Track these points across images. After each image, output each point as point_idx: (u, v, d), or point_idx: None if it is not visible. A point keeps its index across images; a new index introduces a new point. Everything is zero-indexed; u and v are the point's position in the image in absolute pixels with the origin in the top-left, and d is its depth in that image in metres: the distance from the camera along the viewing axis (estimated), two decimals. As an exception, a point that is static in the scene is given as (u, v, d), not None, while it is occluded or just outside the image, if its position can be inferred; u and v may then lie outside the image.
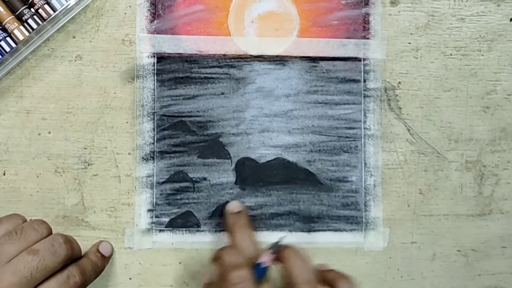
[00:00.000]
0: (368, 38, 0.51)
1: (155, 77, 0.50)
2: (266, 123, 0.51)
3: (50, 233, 0.46)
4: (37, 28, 0.48)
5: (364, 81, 0.51)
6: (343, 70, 0.51)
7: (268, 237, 0.51)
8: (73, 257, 0.45)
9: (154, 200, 0.50)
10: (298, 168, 0.51)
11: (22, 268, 0.41)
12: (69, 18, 0.49)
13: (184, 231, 0.50)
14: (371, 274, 0.52)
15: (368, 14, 0.51)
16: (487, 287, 0.52)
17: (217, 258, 0.45)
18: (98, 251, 0.48)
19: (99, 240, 0.50)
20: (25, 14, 0.48)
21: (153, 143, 0.50)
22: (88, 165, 0.50)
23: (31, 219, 0.47)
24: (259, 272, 0.44)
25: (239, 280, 0.43)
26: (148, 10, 0.50)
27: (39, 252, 0.42)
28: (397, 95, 0.52)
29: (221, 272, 0.44)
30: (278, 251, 0.45)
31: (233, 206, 0.49)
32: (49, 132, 0.50)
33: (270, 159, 0.51)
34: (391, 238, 0.52)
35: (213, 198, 0.50)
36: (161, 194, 0.50)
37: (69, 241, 0.45)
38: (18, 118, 0.50)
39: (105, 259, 0.48)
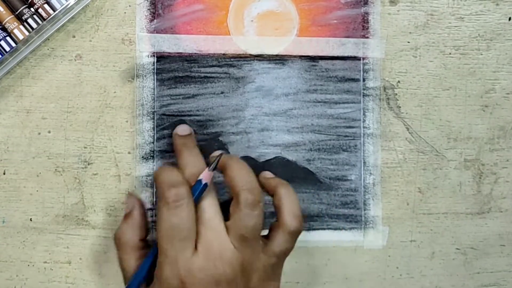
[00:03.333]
0: (367, 37, 0.51)
1: (155, 76, 0.50)
2: (266, 122, 0.51)
3: None
4: (37, 27, 0.48)
5: (363, 80, 0.51)
6: (342, 69, 0.51)
7: (267, 236, 0.51)
8: None
9: (154, 199, 0.50)
10: (297, 167, 0.51)
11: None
12: (69, 17, 0.49)
13: (184, 230, 0.50)
14: (370, 273, 0.52)
15: (367, 13, 0.51)
16: (486, 285, 0.53)
17: (155, 178, 0.44)
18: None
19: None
20: (25, 14, 0.48)
21: (153, 142, 0.50)
22: (88, 164, 0.50)
23: None
24: (199, 190, 0.43)
25: (176, 198, 0.41)
26: (148, 9, 0.50)
27: None
28: (396, 94, 0.52)
29: (158, 192, 0.43)
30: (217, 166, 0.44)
31: (182, 128, 0.48)
32: (49, 132, 0.50)
33: (270, 158, 0.51)
34: (390, 236, 0.52)
35: (213, 197, 0.51)
36: (161, 193, 0.50)
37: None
38: (18, 118, 0.50)
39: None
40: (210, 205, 0.43)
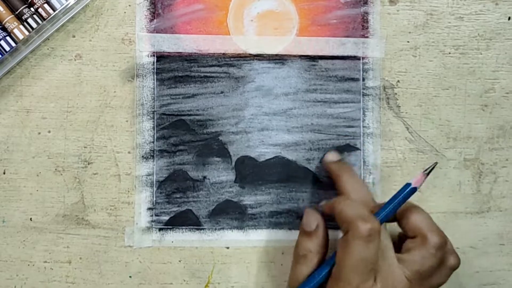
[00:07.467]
0: (367, 37, 0.51)
1: (155, 76, 0.50)
2: (266, 121, 0.51)
3: None
4: (37, 27, 0.48)
5: (363, 79, 0.51)
6: (342, 69, 0.51)
7: (267, 236, 0.51)
8: None
9: (154, 199, 0.50)
10: (297, 166, 0.51)
11: None
12: (69, 17, 0.49)
13: (184, 230, 0.51)
14: (370, 272, 0.52)
15: (367, 13, 0.51)
16: (485, 284, 0.53)
17: (337, 212, 0.44)
18: None
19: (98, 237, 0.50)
20: (24, 13, 0.48)
21: (153, 142, 0.50)
22: (88, 164, 0.50)
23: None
24: (407, 192, 0.45)
25: (370, 232, 0.42)
26: (148, 9, 0.50)
27: None
28: (395, 94, 0.52)
29: (345, 226, 0.43)
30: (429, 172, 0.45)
31: (332, 155, 0.50)
32: (49, 131, 0.50)
33: (270, 157, 0.51)
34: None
35: (213, 196, 0.51)
36: (161, 193, 0.50)
37: None
38: (18, 117, 0.50)
39: None
40: (386, 237, 0.45)
